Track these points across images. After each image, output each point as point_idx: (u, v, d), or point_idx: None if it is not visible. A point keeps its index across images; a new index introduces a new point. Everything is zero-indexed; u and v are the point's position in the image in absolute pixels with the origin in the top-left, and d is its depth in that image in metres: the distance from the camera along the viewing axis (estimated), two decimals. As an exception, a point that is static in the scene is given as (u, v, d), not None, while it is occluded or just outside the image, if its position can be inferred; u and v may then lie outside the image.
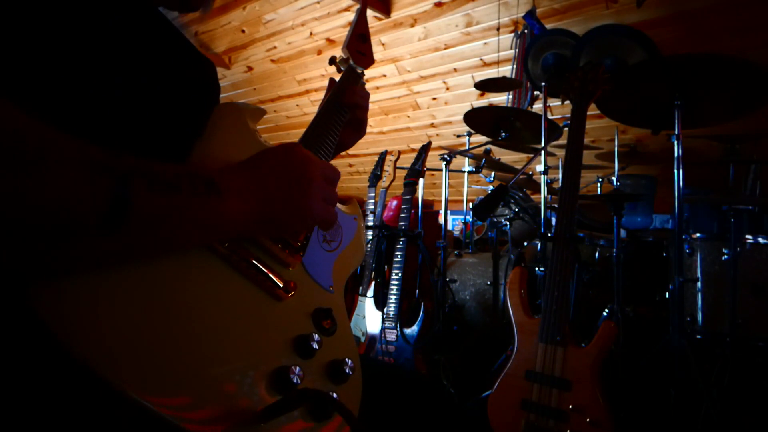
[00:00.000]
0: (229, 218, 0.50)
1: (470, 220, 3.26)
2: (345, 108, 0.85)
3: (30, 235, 0.38)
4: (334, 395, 0.55)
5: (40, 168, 0.38)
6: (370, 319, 2.48)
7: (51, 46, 0.48)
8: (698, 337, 2.04)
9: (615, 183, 2.99)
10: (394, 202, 4.15)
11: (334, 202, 0.63)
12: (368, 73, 0.97)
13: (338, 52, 0.95)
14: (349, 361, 0.60)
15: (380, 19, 3.52)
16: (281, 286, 0.58)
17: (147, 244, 0.45)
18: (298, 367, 0.52)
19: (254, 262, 0.56)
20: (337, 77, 0.92)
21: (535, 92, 2.86)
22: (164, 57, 0.61)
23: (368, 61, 0.94)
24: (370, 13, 3.37)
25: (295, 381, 0.51)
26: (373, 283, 2.60)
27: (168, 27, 0.63)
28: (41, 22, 0.48)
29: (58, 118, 0.48)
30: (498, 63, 3.46)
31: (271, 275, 0.57)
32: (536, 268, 2.19)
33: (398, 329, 2.28)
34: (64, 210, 0.38)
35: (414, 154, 2.70)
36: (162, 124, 0.59)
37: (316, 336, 0.57)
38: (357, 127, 0.90)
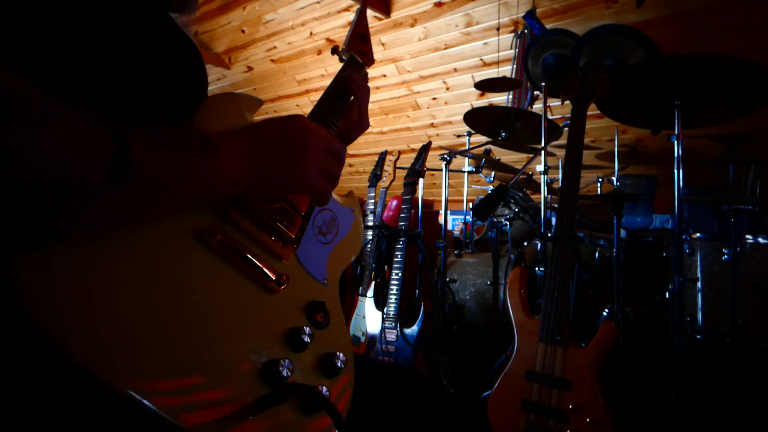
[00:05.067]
0: (223, 176, 0.51)
1: (470, 220, 3.25)
2: (345, 93, 0.85)
3: (40, 189, 0.38)
4: (324, 389, 0.54)
5: (49, 123, 0.39)
6: (370, 319, 2.48)
7: (30, 34, 0.48)
8: (698, 337, 2.03)
9: (615, 183, 2.98)
10: (394, 202, 4.14)
11: (334, 177, 0.63)
12: (368, 73, 0.97)
13: (338, 52, 0.95)
14: (342, 354, 0.59)
15: (380, 19, 3.52)
16: (273, 278, 0.58)
17: (148, 199, 0.46)
18: (287, 360, 0.52)
19: (246, 254, 0.56)
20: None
21: (535, 92, 2.86)
22: (148, 41, 0.60)
23: (368, 60, 0.95)
24: (370, 13, 3.37)
25: (285, 374, 0.51)
26: (373, 283, 2.59)
27: (154, 13, 0.62)
28: (23, 8, 0.48)
29: None
30: (498, 63, 3.45)
31: (263, 268, 0.57)
32: (536, 268, 2.18)
33: (398, 329, 2.28)
34: (72, 162, 0.39)
35: (414, 154, 2.70)
36: (147, 108, 0.58)
37: (307, 329, 0.57)
38: (358, 118, 0.89)
